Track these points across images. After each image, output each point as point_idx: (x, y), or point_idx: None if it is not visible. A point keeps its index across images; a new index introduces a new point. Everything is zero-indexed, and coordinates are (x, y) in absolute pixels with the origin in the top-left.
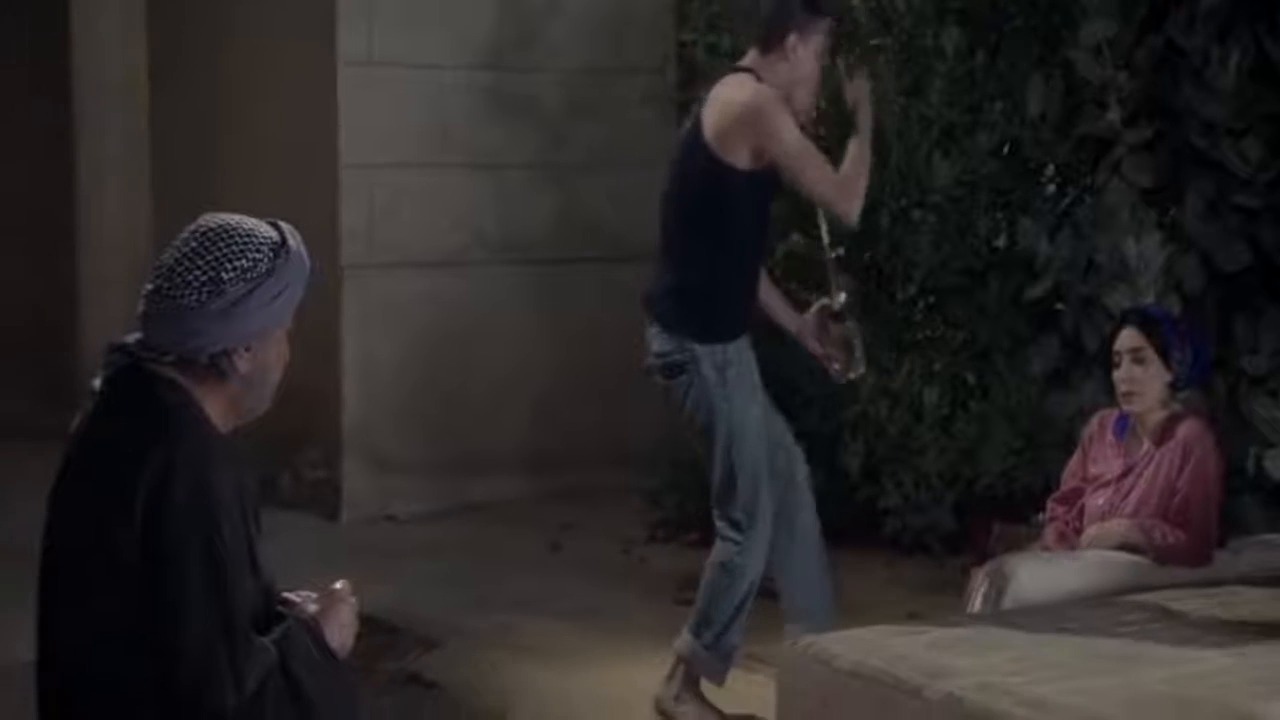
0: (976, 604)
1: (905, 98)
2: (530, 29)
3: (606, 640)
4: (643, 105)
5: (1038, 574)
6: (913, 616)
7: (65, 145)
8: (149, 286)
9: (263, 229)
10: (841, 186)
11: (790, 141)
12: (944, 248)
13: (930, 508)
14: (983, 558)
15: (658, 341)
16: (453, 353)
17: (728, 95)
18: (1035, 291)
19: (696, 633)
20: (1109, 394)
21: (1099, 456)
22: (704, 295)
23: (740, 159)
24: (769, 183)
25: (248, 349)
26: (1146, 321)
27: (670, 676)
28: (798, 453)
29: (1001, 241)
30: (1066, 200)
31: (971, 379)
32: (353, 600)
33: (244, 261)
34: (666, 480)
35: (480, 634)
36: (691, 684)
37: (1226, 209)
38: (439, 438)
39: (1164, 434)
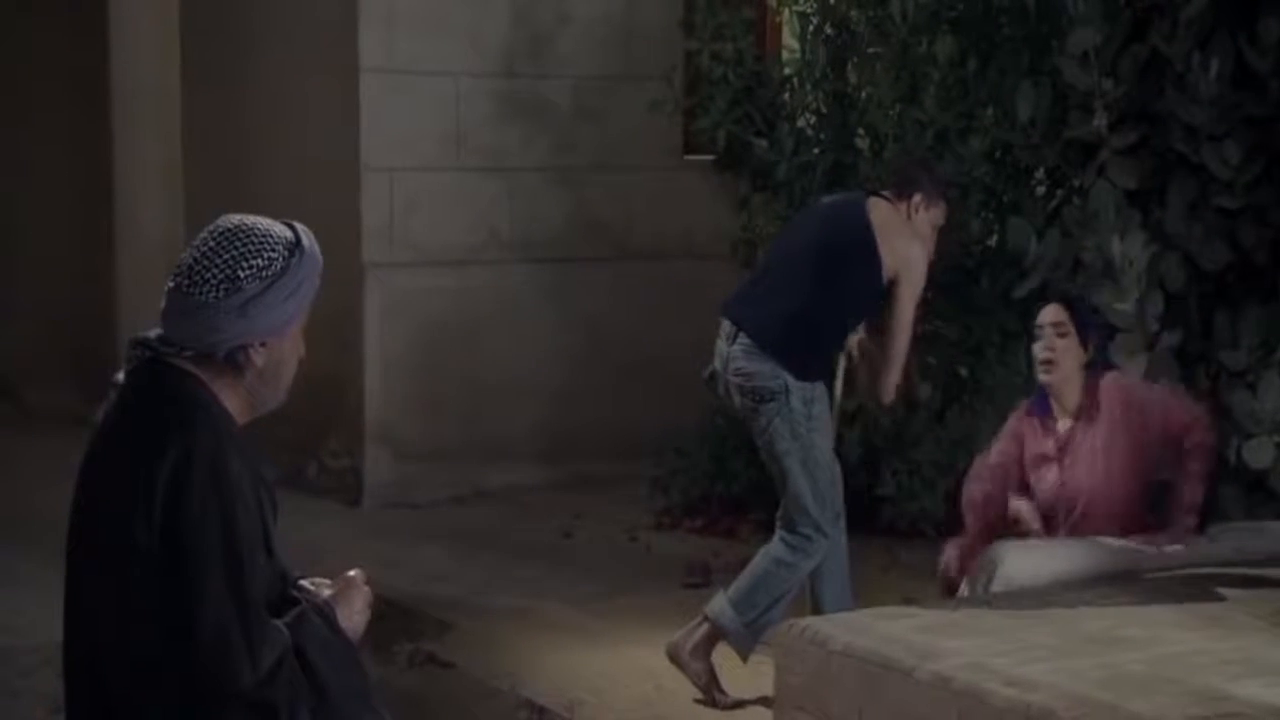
0: (963, 588)
1: (900, 104)
2: (542, 38)
3: (615, 622)
4: (650, 111)
5: (1024, 559)
6: (908, 600)
7: (103, 150)
8: (169, 284)
9: (278, 229)
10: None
11: (916, 292)
12: (937, 246)
13: (924, 495)
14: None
15: (747, 361)
16: (469, 347)
17: (900, 220)
18: (1024, 289)
19: (737, 608)
20: None
21: (1032, 438)
22: (813, 337)
23: (887, 271)
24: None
25: (263, 344)
26: (1068, 301)
27: (693, 630)
28: (839, 473)
29: (993, 241)
30: (1055, 201)
31: (965, 373)
32: (366, 588)
33: (260, 260)
34: (672, 469)
35: (494, 616)
36: (708, 646)
37: (1207, 210)
38: (456, 428)
39: (1081, 407)
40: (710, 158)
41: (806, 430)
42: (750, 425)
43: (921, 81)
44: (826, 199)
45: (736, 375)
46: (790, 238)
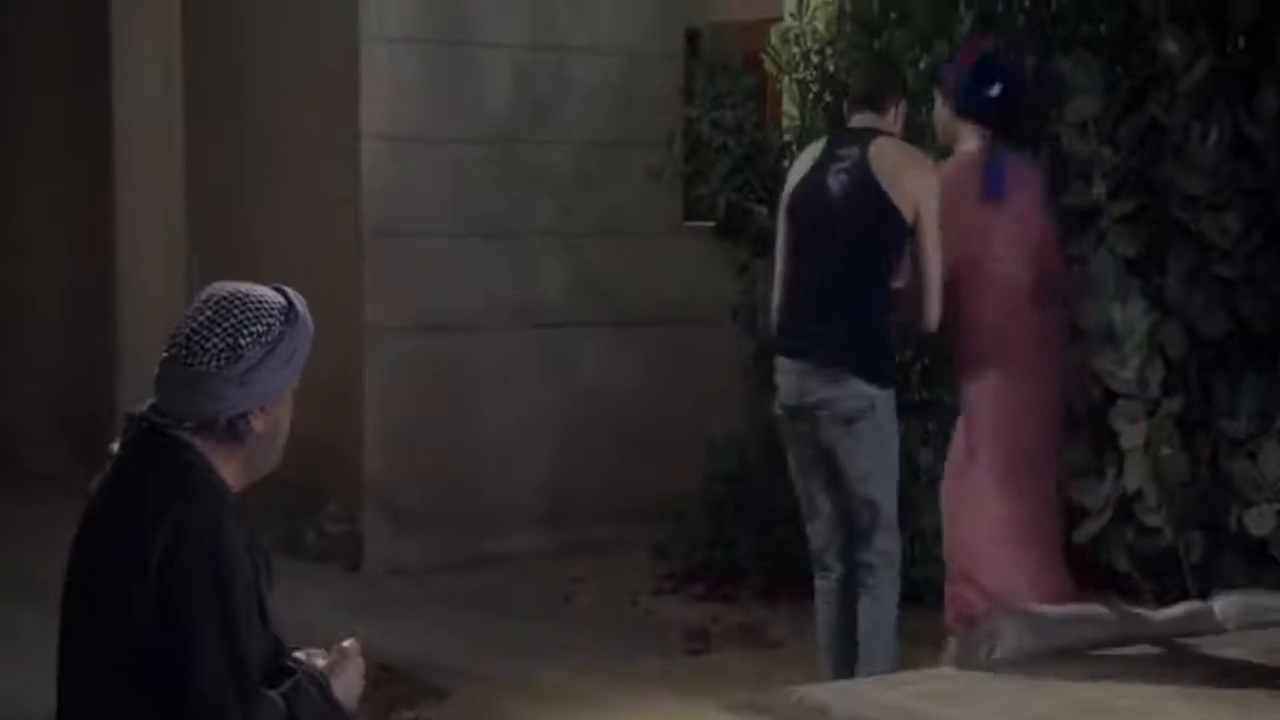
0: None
1: None
2: (543, 104)
3: (615, 689)
4: (649, 177)
5: (1022, 628)
6: (908, 667)
7: (105, 212)
8: (165, 355)
9: (271, 295)
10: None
11: (936, 212)
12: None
13: (925, 563)
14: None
15: (828, 389)
16: (469, 412)
17: (901, 153)
18: None
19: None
20: (1098, 455)
21: None
22: (878, 338)
23: (908, 213)
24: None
25: (263, 410)
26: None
27: None
28: None
29: None
30: None
31: None
32: (360, 658)
33: (259, 327)
34: (672, 534)
35: (493, 683)
36: None
37: (1207, 278)
38: (456, 493)
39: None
40: (710, 224)
41: (894, 442)
42: (836, 453)
43: (922, 149)
44: (818, 164)
45: (821, 406)
46: (812, 242)
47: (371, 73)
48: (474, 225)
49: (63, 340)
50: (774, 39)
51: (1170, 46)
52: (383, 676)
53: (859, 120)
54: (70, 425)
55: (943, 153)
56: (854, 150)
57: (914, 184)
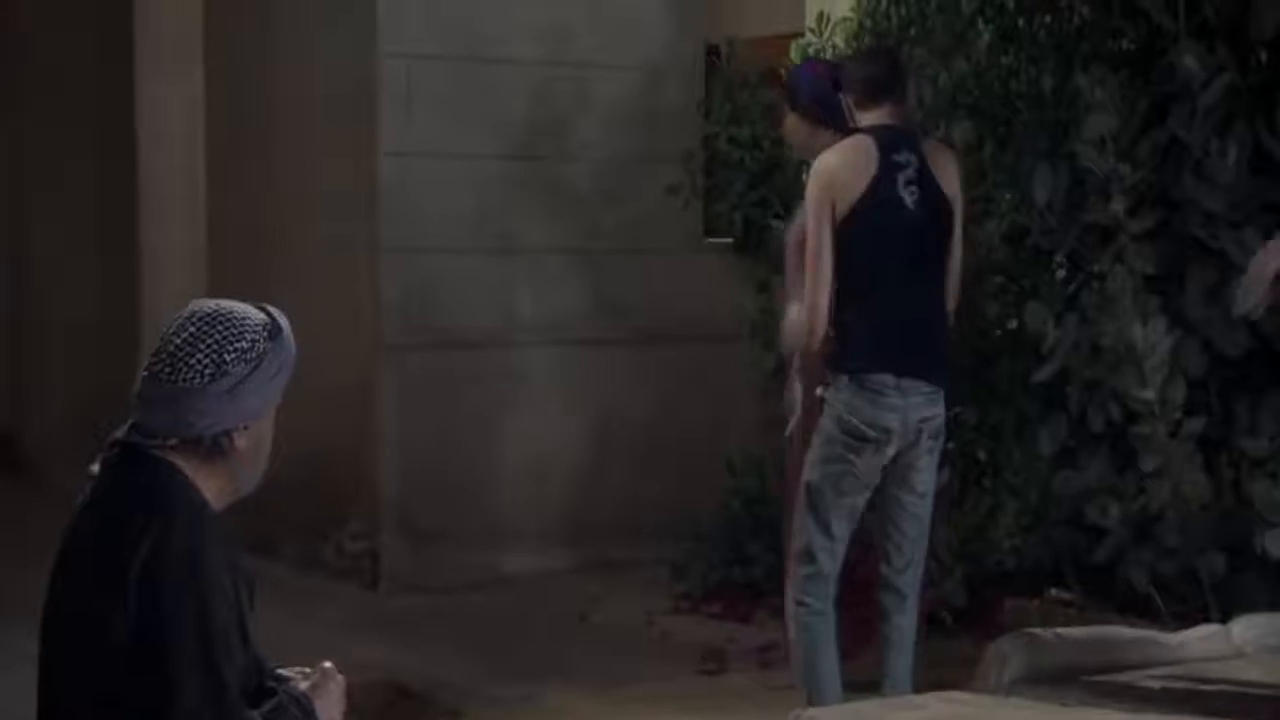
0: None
1: None
2: (561, 121)
3: (628, 710)
4: (668, 193)
5: (1035, 651)
6: (935, 687)
7: (130, 230)
8: (145, 372)
9: (253, 312)
10: None
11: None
12: (955, 330)
13: (941, 581)
14: (999, 632)
15: (930, 407)
16: (487, 429)
17: (945, 154)
18: (1043, 374)
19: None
20: (1117, 473)
21: None
22: (947, 349)
23: (957, 215)
24: None
25: (246, 427)
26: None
27: None
28: None
29: (1011, 325)
30: (1073, 286)
31: (983, 457)
32: (341, 678)
33: (243, 343)
34: (689, 553)
35: (506, 702)
36: None
37: (1227, 296)
38: (474, 511)
39: None
40: (729, 240)
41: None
42: (914, 472)
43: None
44: (882, 176)
45: (924, 423)
46: (903, 263)
47: (390, 90)
48: (492, 242)
49: (89, 363)
50: (793, 54)
51: (1190, 63)
52: (394, 698)
53: (884, 116)
54: (96, 445)
55: None
56: (910, 156)
57: (955, 185)
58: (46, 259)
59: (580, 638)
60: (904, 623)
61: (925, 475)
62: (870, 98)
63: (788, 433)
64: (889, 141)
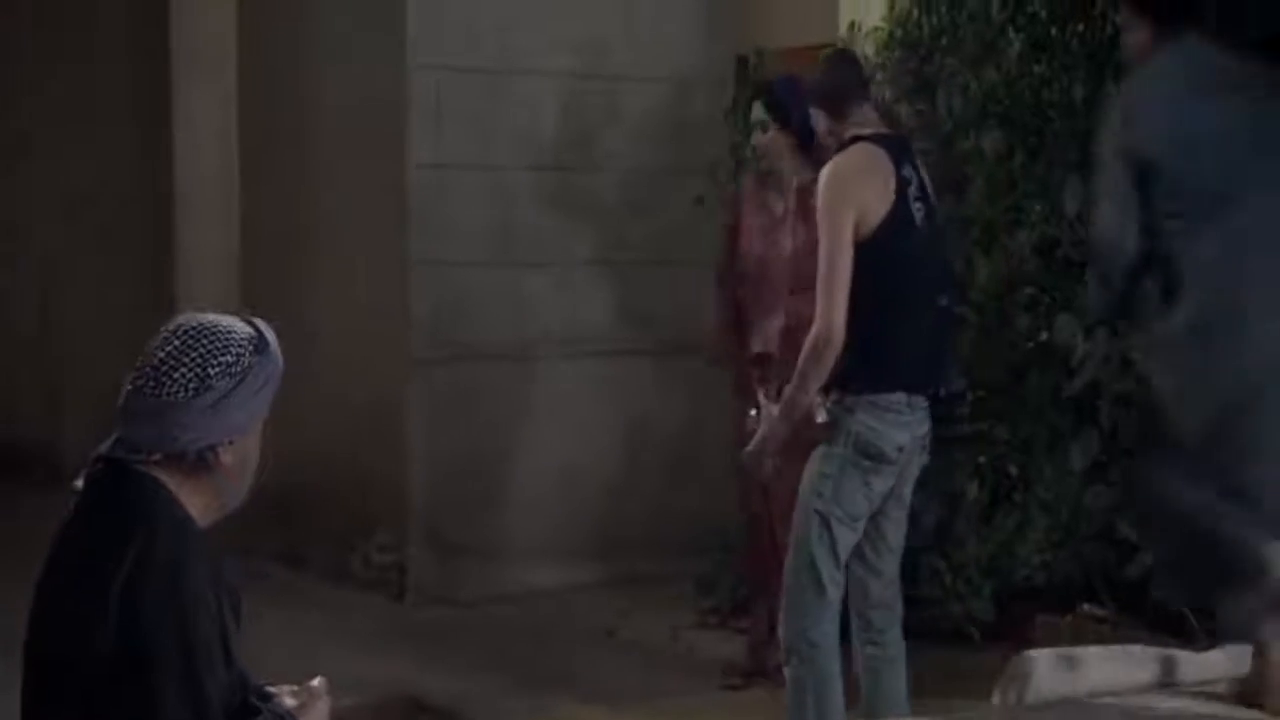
0: (995, 699)
1: (948, 196)
2: (590, 133)
3: None
4: (696, 204)
5: (1057, 669)
6: (954, 705)
7: (164, 243)
8: (128, 386)
9: (239, 325)
10: None
11: None
12: (985, 344)
13: (969, 597)
14: (1028, 649)
15: (928, 420)
16: (515, 442)
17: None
18: (1074, 387)
19: None
20: None
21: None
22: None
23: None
24: None
25: (231, 442)
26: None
27: None
28: None
29: (1042, 337)
30: None
31: (1014, 471)
32: (328, 697)
33: (228, 357)
34: (717, 567)
35: (530, 717)
36: None
37: None
38: (502, 524)
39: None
40: None
41: None
42: (904, 486)
43: (968, 175)
44: (899, 192)
45: (924, 437)
46: (914, 280)
47: (420, 102)
48: (521, 254)
49: (121, 366)
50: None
51: None
52: (418, 714)
53: (873, 121)
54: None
55: None
56: (912, 172)
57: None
58: (80, 267)
59: (607, 651)
60: (897, 636)
61: (911, 484)
62: (850, 103)
63: (749, 449)
64: (898, 154)
